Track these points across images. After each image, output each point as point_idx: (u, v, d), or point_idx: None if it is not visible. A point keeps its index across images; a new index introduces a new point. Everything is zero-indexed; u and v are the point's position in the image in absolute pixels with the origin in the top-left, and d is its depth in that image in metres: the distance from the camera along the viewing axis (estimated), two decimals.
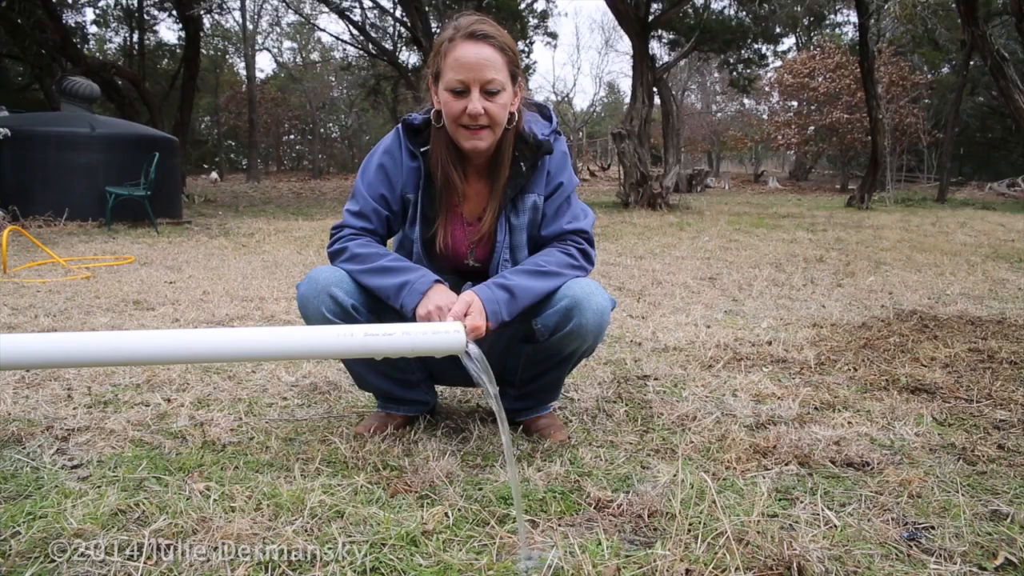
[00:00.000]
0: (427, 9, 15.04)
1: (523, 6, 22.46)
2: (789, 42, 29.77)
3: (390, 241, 1.88)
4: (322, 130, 38.98)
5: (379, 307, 1.77)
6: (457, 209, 1.82)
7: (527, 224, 1.81)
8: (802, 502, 1.52)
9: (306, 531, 1.38)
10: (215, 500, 1.50)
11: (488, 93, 1.64)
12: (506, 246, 1.79)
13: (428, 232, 1.80)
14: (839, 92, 24.03)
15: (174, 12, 20.78)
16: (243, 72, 34.42)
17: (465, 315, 1.55)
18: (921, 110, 24.01)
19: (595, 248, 1.85)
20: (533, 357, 1.85)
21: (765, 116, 31.44)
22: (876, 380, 2.44)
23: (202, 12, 16.16)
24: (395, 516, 1.44)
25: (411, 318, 1.62)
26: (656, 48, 21.45)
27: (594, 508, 1.50)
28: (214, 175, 27.01)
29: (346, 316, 1.69)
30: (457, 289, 1.69)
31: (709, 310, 3.74)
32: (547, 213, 1.81)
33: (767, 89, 29.32)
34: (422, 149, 1.77)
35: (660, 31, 18.97)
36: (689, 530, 1.37)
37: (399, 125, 1.81)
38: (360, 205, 1.79)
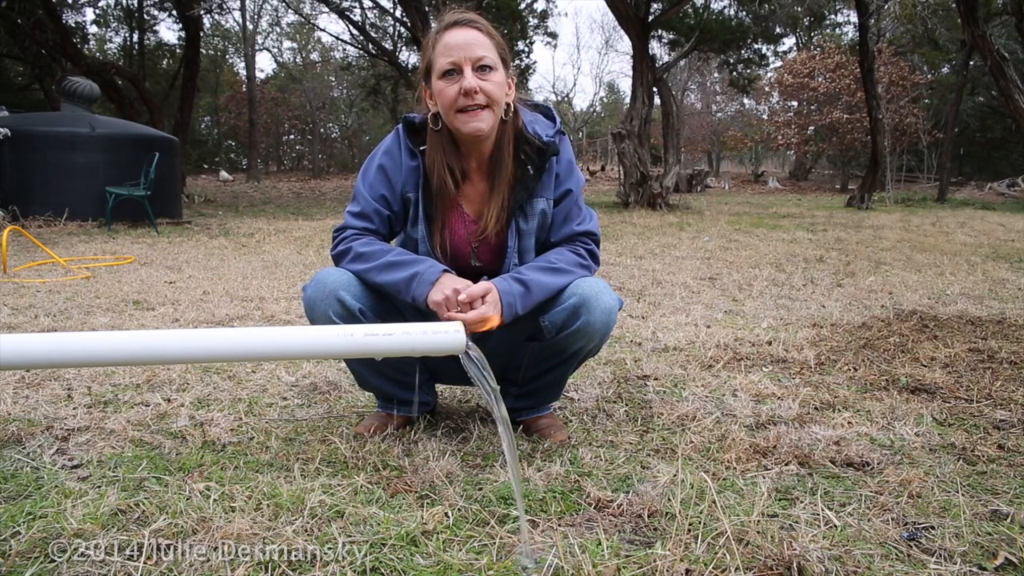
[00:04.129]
0: (427, 9, 15.03)
1: (523, 6, 22.42)
2: (789, 42, 29.76)
3: (392, 242, 1.89)
4: (322, 130, 38.96)
5: (386, 311, 1.78)
6: (459, 208, 1.82)
7: (536, 228, 1.81)
8: (802, 502, 1.52)
9: (306, 531, 1.38)
10: (215, 500, 1.50)
11: (480, 70, 1.66)
12: (516, 251, 1.80)
13: (433, 230, 1.81)
14: (839, 92, 24.02)
15: (174, 12, 20.76)
16: (243, 72, 34.41)
17: (483, 298, 1.56)
18: (921, 110, 24.00)
19: (600, 248, 1.87)
20: (538, 355, 1.85)
21: (765, 116, 31.44)
22: (876, 380, 2.44)
23: (202, 12, 16.15)
24: (395, 516, 1.44)
25: (424, 308, 1.63)
26: (656, 48, 21.44)
27: (594, 508, 1.50)
28: (224, 174, 26.90)
29: (353, 320, 1.69)
30: None
31: (709, 310, 3.74)
32: (556, 220, 1.83)
33: (767, 89, 29.30)
34: (421, 148, 1.78)
35: (660, 31, 18.95)
36: (689, 530, 1.37)
37: (399, 125, 1.82)
38: (361, 206, 1.79)
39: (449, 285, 1.61)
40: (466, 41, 1.65)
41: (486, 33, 1.69)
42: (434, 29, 1.71)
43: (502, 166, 1.76)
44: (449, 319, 1.59)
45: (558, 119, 1.85)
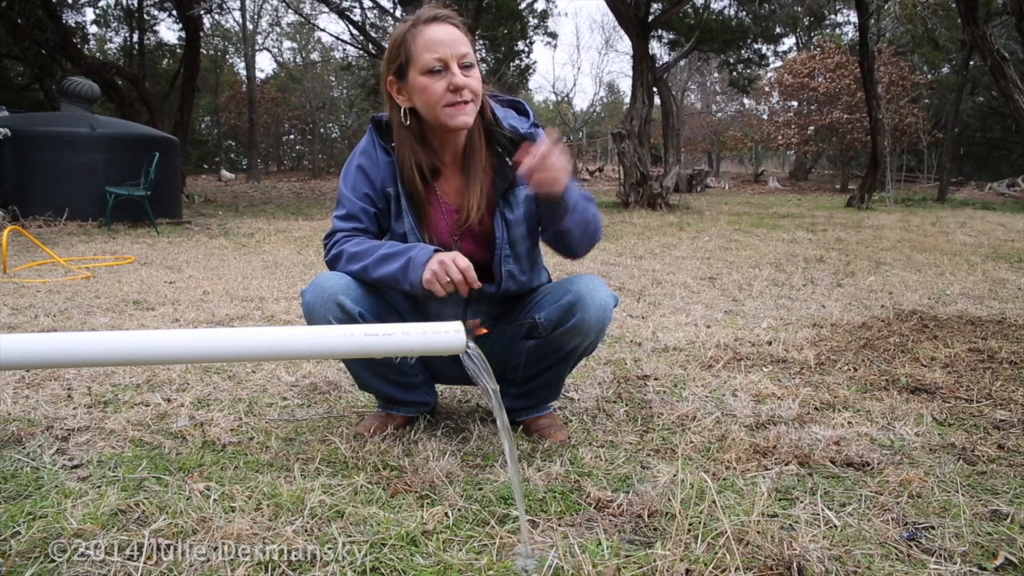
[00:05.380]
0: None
1: (523, 6, 22.42)
2: (789, 42, 29.75)
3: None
4: (322, 130, 38.93)
5: (386, 313, 1.78)
6: (436, 200, 1.82)
7: (524, 216, 1.81)
8: (802, 502, 1.52)
9: (306, 531, 1.38)
10: (215, 500, 1.50)
11: (464, 67, 1.67)
12: (506, 242, 1.80)
13: (420, 217, 1.81)
14: (839, 92, 24.01)
15: (174, 12, 20.76)
16: (243, 72, 34.38)
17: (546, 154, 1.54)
18: (921, 110, 23.99)
19: None
20: (535, 353, 1.85)
21: (765, 116, 31.42)
22: (876, 380, 2.44)
23: (202, 12, 16.13)
24: (395, 516, 1.44)
25: (420, 292, 1.64)
26: (656, 48, 21.44)
27: (594, 508, 1.50)
28: (225, 173, 26.92)
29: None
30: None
31: (709, 310, 3.74)
32: None
33: (767, 89, 29.30)
34: (392, 144, 1.78)
35: (660, 31, 18.96)
36: (689, 530, 1.37)
37: (371, 125, 1.83)
38: (347, 208, 1.80)
39: (437, 260, 1.62)
40: (451, 38, 1.66)
41: (464, 30, 1.70)
42: (408, 24, 1.70)
43: (475, 156, 1.77)
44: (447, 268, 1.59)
45: (531, 113, 1.86)
